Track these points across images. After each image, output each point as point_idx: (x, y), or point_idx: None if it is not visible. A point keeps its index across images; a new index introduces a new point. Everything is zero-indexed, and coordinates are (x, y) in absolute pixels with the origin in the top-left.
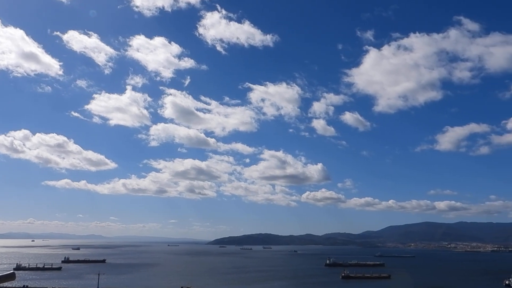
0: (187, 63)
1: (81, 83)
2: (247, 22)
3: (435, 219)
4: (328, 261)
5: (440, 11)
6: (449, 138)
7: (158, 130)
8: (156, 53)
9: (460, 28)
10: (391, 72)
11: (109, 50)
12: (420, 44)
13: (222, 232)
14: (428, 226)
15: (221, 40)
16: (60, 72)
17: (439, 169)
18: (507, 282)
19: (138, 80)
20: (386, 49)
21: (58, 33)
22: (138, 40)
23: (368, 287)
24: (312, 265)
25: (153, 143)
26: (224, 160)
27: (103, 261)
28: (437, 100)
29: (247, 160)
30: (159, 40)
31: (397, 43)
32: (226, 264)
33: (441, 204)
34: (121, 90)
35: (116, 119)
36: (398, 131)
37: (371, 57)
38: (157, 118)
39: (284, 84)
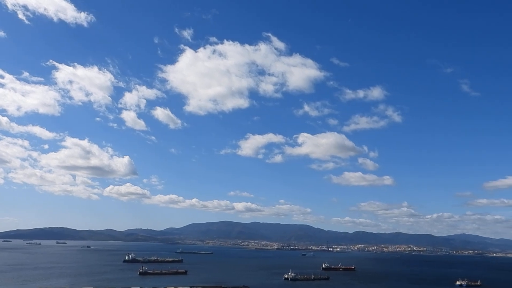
0: None
1: None
2: None
3: (233, 219)
4: (127, 257)
5: (253, 24)
6: (250, 144)
7: None
8: None
9: (270, 45)
10: (205, 74)
11: None
12: (233, 53)
13: (7, 225)
14: (226, 225)
15: (25, 7)
16: None
17: (239, 172)
18: (286, 276)
19: None
20: (202, 52)
21: None
22: None
23: (163, 283)
24: (110, 261)
25: None
26: (17, 143)
27: None
28: (244, 108)
29: (46, 146)
30: None
31: (213, 47)
32: (5, 261)
33: (239, 205)
34: None
35: None
36: (206, 132)
37: (187, 56)
38: None
39: (96, 69)
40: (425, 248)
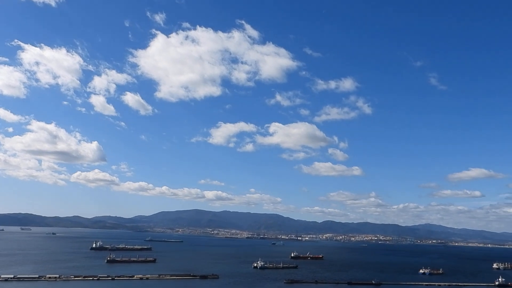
0: None
1: None
2: None
3: (203, 207)
4: (94, 245)
5: (227, 11)
6: (221, 133)
7: None
8: None
9: (243, 32)
10: (177, 61)
11: None
12: (206, 39)
13: None
14: (196, 213)
15: None
16: None
17: (210, 161)
18: (255, 265)
19: None
20: (174, 37)
21: None
22: None
23: (131, 271)
24: (76, 248)
25: None
26: None
27: None
28: (216, 95)
29: (10, 130)
30: None
31: (186, 33)
32: None
33: (210, 194)
34: None
35: None
36: (177, 120)
37: (159, 41)
38: None
39: (64, 51)
40: (391, 238)
